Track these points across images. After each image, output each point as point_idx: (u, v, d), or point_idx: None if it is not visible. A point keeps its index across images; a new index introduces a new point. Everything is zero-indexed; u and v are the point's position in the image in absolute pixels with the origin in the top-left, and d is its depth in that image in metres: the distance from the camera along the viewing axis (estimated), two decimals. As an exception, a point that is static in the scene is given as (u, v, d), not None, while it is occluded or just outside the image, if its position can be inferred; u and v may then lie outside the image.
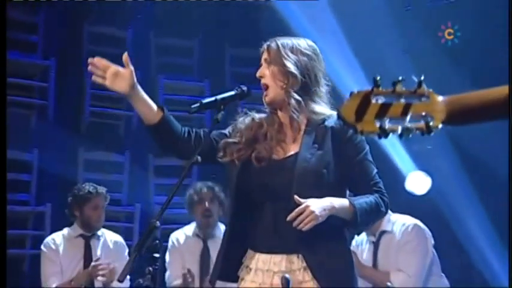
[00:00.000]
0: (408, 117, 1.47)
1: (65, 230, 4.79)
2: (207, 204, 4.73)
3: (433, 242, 4.09)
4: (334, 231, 2.51)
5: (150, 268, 2.55)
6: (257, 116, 2.65)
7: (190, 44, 6.94)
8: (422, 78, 1.46)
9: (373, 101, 1.47)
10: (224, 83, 6.83)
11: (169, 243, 4.88)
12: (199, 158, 2.43)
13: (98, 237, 4.78)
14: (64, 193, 5.90)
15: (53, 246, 4.73)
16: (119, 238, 4.92)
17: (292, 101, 2.50)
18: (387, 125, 1.46)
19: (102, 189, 4.71)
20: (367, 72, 5.90)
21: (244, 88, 2.66)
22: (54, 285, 4.57)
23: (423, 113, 1.48)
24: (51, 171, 6.02)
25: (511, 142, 2.45)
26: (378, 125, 1.46)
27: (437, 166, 5.85)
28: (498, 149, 6.28)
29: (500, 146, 6.51)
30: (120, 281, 2.69)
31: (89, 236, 4.75)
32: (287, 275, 2.40)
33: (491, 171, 6.24)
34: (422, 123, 1.47)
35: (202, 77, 6.86)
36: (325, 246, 2.47)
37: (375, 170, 2.56)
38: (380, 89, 1.48)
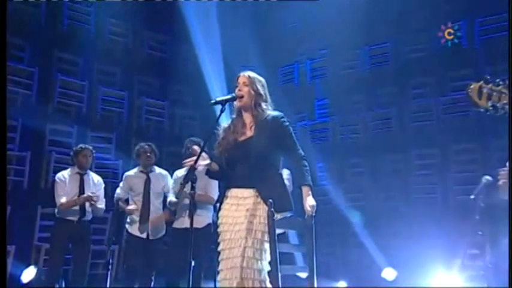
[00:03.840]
0: (502, 102, 1.98)
1: (69, 169, 5.84)
2: (148, 153, 5.74)
3: None
4: (275, 174, 3.34)
5: (192, 192, 3.18)
6: (227, 123, 3.41)
7: (116, 69, 9.30)
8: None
9: (483, 90, 1.98)
10: (135, 94, 9.25)
11: (124, 178, 5.74)
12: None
13: (88, 176, 5.82)
14: (37, 146, 7.96)
15: (62, 178, 5.71)
16: (99, 178, 5.94)
17: (259, 109, 3.32)
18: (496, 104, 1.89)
19: (88, 146, 5.86)
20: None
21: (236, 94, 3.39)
22: (63, 201, 5.52)
23: (505, 101, 1.98)
24: (29, 133, 7.75)
25: (511, 142, 2.50)
26: (489, 104, 1.96)
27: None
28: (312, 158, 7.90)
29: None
30: (178, 198, 3.59)
31: (82, 174, 5.76)
32: (271, 200, 3.04)
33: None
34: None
35: (123, 89, 9.18)
36: (270, 182, 3.26)
37: (297, 142, 3.32)
38: (485, 84, 2.05)
